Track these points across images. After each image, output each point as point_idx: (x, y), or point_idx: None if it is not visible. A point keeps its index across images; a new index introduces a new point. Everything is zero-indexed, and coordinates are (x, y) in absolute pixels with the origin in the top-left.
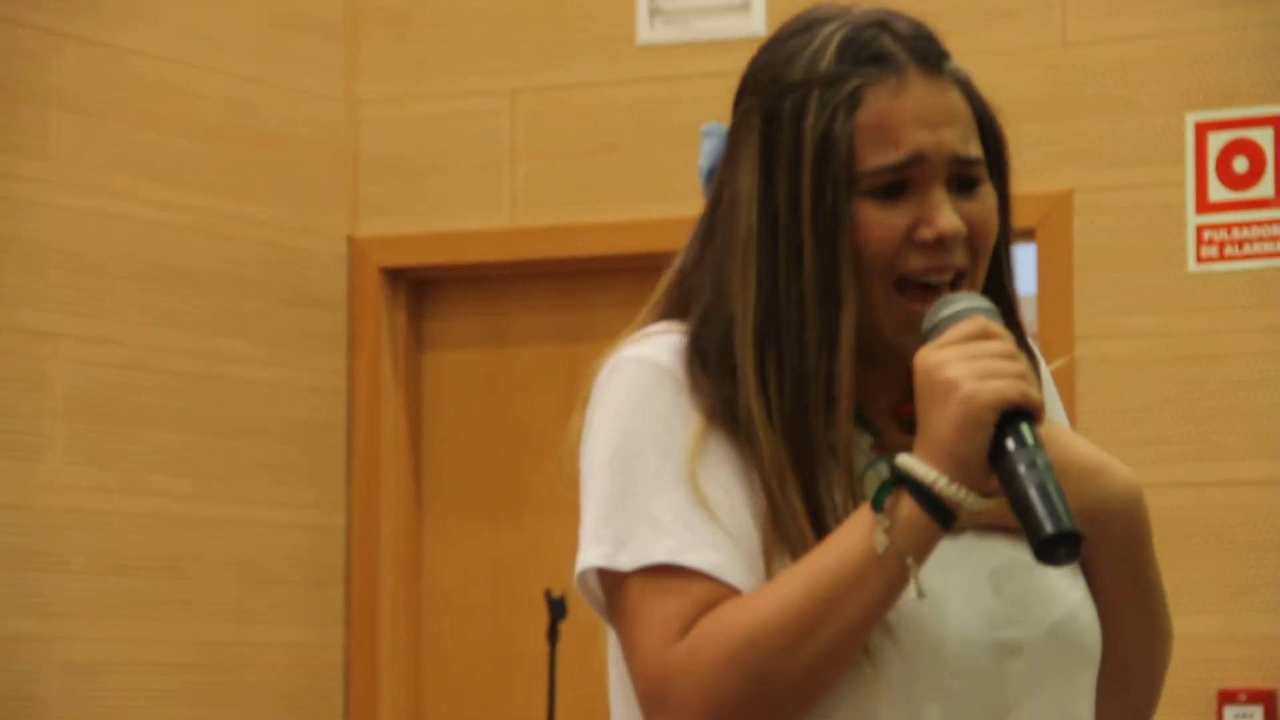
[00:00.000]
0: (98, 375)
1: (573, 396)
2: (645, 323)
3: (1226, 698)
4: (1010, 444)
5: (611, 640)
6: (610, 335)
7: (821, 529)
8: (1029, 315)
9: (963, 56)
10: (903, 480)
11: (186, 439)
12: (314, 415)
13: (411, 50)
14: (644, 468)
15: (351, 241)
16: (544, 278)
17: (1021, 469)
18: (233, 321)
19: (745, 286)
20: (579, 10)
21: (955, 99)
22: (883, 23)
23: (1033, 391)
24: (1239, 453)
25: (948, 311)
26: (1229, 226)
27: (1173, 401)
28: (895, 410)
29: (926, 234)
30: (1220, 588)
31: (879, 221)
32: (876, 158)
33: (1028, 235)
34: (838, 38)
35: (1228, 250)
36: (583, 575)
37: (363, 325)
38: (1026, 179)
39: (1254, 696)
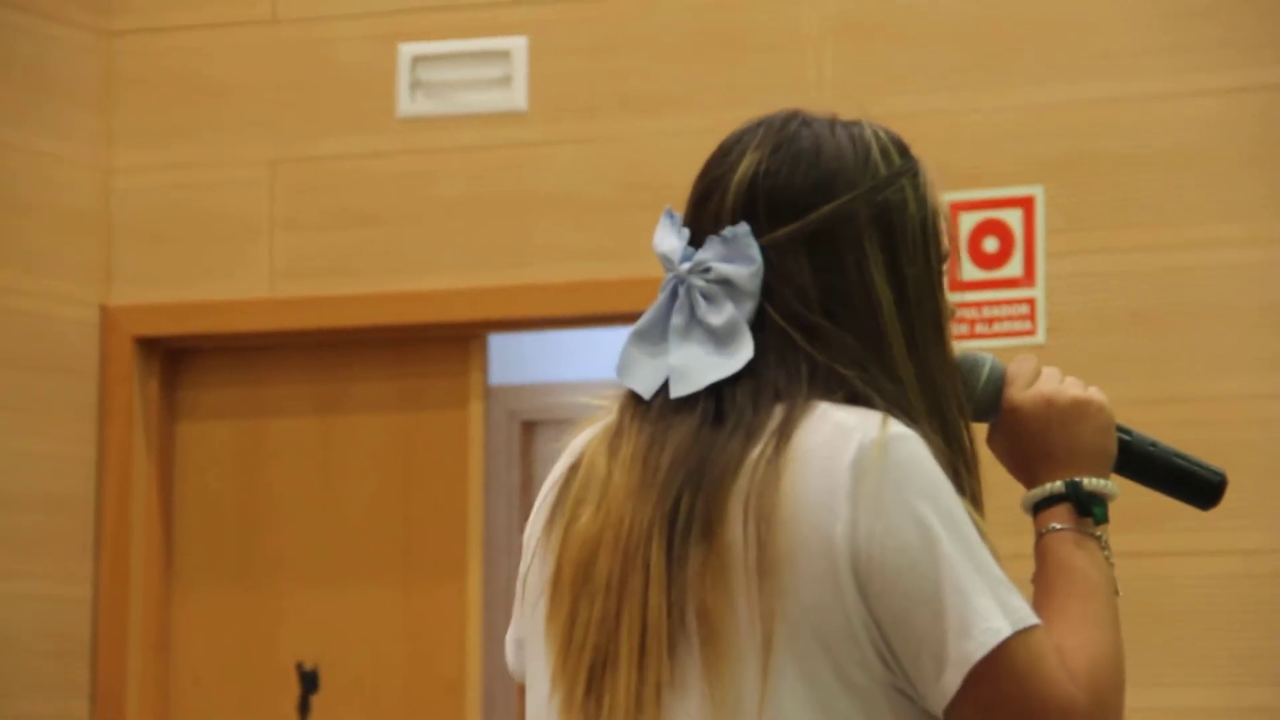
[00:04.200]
0: None
1: (330, 468)
2: (800, 403)
3: None
4: (1129, 431)
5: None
6: (367, 407)
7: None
8: None
9: (720, 134)
10: (1087, 499)
11: None
12: (63, 485)
13: (168, 118)
14: (974, 538)
15: (104, 310)
16: (301, 349)
17: (1156, 445)
18: None
19: (905, 364)
20: (340, 81)
21: None
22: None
23: None
24: (1013, 529)
25: (988, 366)
26: (980, 305)
27: None
28: None
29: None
30: None
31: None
32: (945, 243)
33: None
34: (885, 136)
35: (978, 328)
36: (993, 648)
37: (114, 395)
38: None
39: None
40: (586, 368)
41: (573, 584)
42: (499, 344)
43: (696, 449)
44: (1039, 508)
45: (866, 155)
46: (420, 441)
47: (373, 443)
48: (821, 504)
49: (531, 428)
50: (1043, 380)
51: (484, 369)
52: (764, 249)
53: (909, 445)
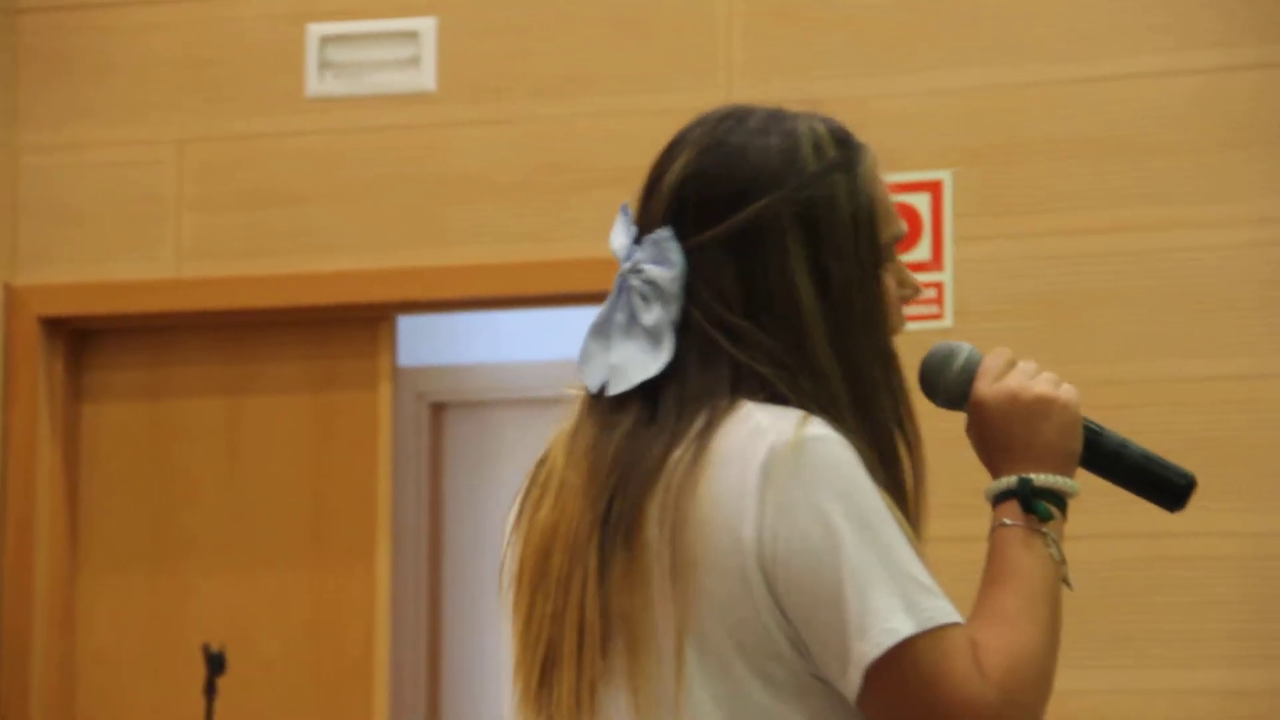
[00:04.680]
0: None
1: (238, 449)
2: (723, 405)
3: None
4: (1100, 430)
5: (731, 710)
6: (275, 389)
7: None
8: None
9: (631, 116)
10: (1038, 493)
11: None
12: None
13: (75, 97)
14: (889, 537)
15: (9, 290)
16: (208, 330)
17: (1125, 446)
18: None
19: (828, 359)
20: (248, 61)
21: None
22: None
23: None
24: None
25: (962, 357)
26: None
27: None
28: None
29: (908, 293)
30: None
31: (890, 285)
32: (890, 229)
33: None
34: (823, 129)
35: None
36: (889, 649)
37: (19, 375)
38: None
39: None
40: (496, 350)
41: (531, 577)
42: (408, 326)
43: (627, 452)
44: (996, 502)
45: (794, 153)
46: (329, 423)
47: (281, 424)
48: (733, 505)
49: (441, 410)
50: (1012, 375)
51: (393, 350)
52: (690, 251)
53: (823, 447)
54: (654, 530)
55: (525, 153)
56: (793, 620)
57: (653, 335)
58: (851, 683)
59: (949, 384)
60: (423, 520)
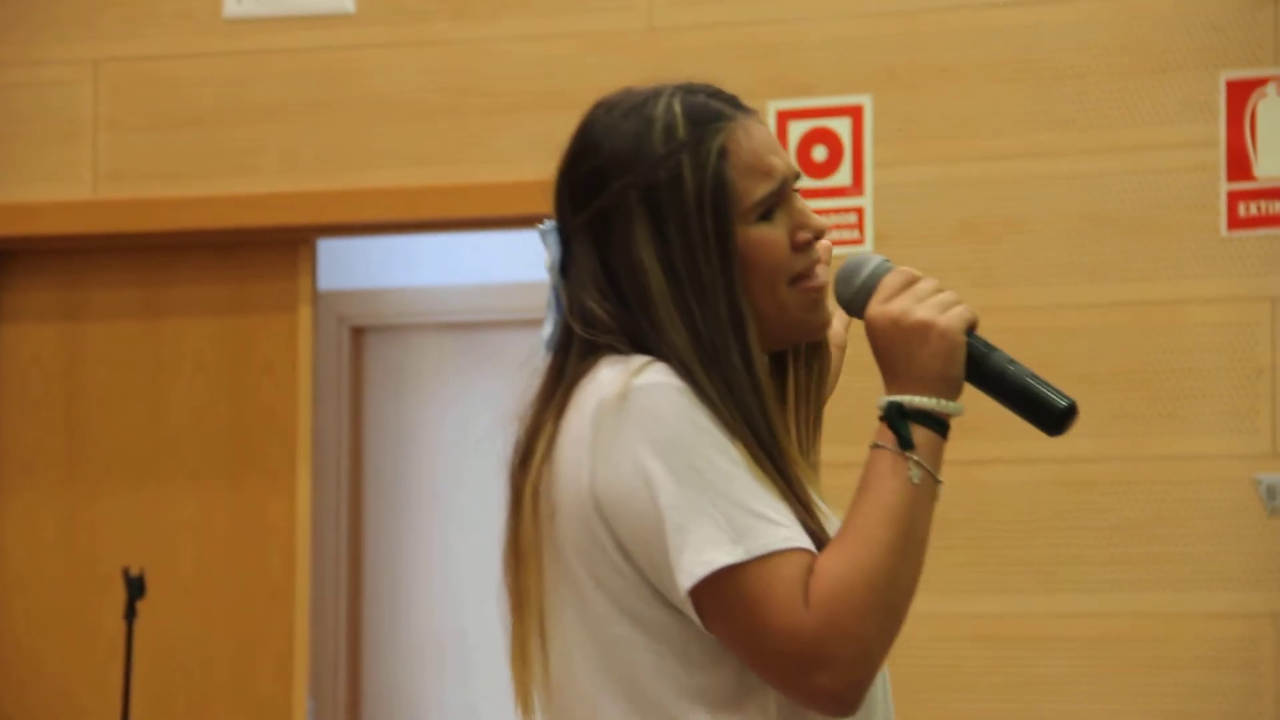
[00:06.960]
0: None
1: (156, 372)
2: (573, 373)
3: None
4: (985, 352)
5: (598, 644)
6: (195, 311)
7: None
8: None
9: (551, 40)
10: (907, 415)
11: None
12: None
13: None
14: (717, 474)
15: None
16: (125, 252)
17: (1010, 367)
18: None
19: (676, 330)
20: None
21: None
22: (695, 89)
23: (972, 309)
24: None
25: (865, 273)
26: None
27: None
28: None
29: (807, 235)
30: None
31: (769, 239)
32: (758, 190)
33: None
34: (679, 109)
35: None
36: (704, 579)
37: None
38: None
39: None
40: (416, 273)
41: None
42: (328, 249)
43: (524, 423)
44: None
45: (644, 138)
46: (248, 346)
47: (200, 347)
48: (573, 455)
49: (361, 333)
50: (903, 296)
51: (313, 274)
52: (566, 240)
53: (645, 395)
54: (532, 491)
55: (444, 75)
56: (635, 558)
57: (550, 313)
58: (688, 612)
59: (850, 299)
60: (343, 443)
